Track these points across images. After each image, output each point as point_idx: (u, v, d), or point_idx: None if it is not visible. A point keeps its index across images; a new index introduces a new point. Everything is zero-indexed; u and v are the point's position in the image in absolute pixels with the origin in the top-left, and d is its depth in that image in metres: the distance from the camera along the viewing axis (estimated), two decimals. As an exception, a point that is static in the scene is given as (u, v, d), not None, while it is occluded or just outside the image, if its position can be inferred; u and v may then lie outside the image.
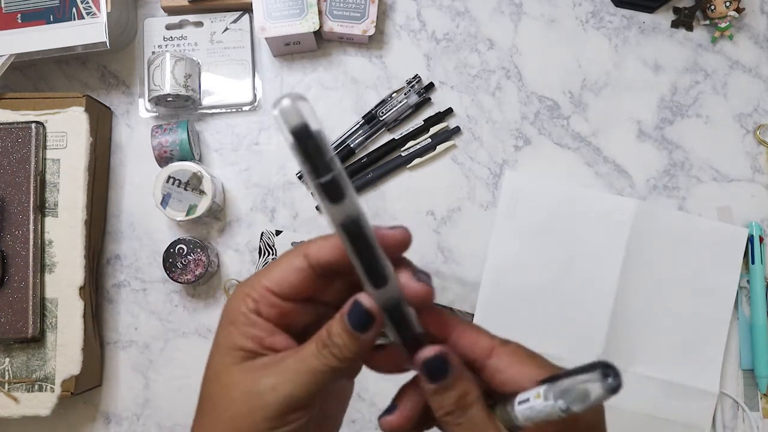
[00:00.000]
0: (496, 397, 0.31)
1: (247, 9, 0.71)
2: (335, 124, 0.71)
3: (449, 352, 0.29)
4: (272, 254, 0.69)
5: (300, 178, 0.70)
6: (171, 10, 0.71)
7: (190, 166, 0.65)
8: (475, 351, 0.31)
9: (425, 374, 0.29)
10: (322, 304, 0.33)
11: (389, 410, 0.32)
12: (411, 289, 0.29)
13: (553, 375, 0.28)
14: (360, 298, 0.29)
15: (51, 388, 0.62)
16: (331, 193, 0.25)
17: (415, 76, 0.71)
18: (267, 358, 0.30)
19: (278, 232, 0.69)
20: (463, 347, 0.31)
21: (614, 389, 0.25)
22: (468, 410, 0.29)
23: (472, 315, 0.67)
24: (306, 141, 0.24)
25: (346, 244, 0.27)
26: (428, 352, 0.29)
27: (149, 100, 0.68)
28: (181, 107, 0.70)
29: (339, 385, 0.35)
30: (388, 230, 0.29)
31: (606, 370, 0.25)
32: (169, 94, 0.66)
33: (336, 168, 0.25)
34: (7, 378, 0.62)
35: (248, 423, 0.29)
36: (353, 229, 0.26)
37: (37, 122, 0.64)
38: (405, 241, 0.30)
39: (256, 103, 0.71)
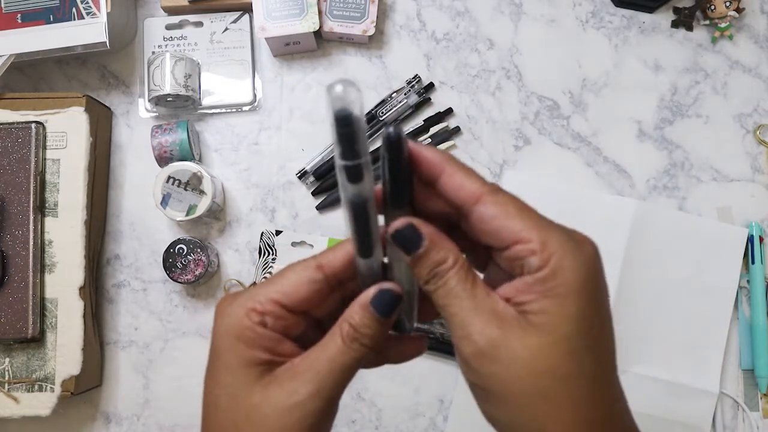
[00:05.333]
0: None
1: (247, 9, 0.71)
2: (335, 124, 0.71)
3: (421, 222, 0.29)
4: (272, 254, 0.69)
5: (300, 178, 0.70)
6: (171, 10, 0.71)
7: (190, 166, 0.65)
8: (461, 195, 0.29)
9: (400, 246, 0.29)
10: (312, 317, 0.33)
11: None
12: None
13: None
14: (385, 285, 0.30)
15: (51, 388, 0.62)
16: (351, 176, 0.27)
17: (415, 76, 0.71)
18: (287, 368, 0.30)
19: (278, 232, 0.69)
20: (449, 190, 0.29)
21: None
22: (443, 277, 0.29)
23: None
24: (344, 127, 0.26)
25: (349, 217, 0.29)
26: (399, 223, 0.29)
27: (149, 100, 0.68)
28: (181, 107, 0.70)
29: None
30: (424, 151, 0.29)
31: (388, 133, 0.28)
32: (169, 94, 0.66)
33: (362, 158, 0.27)
34: (7, 378, 0.62)
35: None
36: (359, 208, 0.28)
37: (37, 122, 0.64)
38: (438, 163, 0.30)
39: (256, 103, 0.71)
